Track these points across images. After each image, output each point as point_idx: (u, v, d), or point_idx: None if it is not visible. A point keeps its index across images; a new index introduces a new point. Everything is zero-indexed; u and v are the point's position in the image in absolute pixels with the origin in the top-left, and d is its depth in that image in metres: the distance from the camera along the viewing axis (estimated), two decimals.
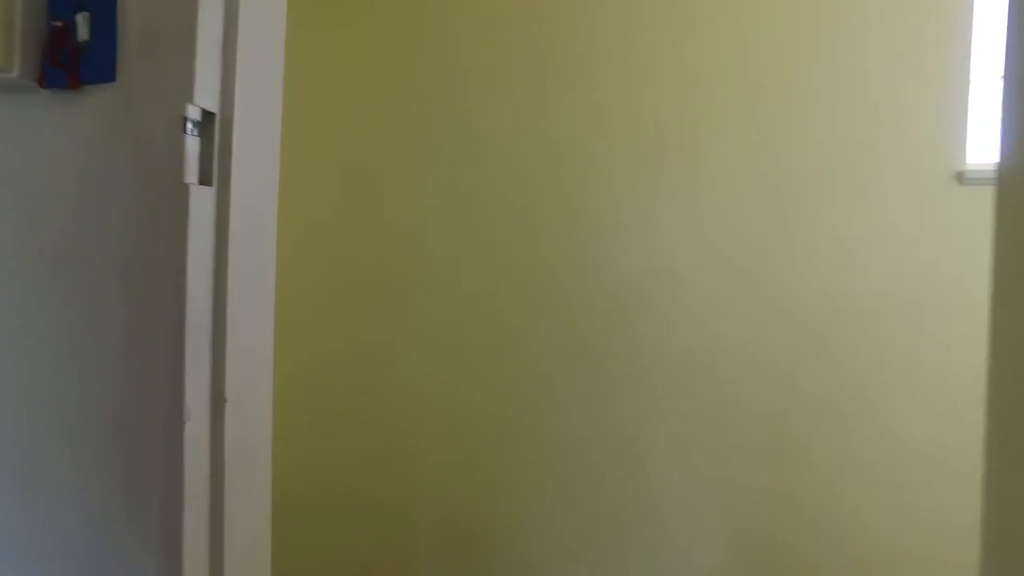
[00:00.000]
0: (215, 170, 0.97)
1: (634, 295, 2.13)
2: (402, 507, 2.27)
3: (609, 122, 2.16)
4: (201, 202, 0.95)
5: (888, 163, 1.98)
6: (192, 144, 0.93)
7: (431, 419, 2.26)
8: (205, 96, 0.94)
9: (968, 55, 1.94)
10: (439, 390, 2.25)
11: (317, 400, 2.37)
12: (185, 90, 0.92)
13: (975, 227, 1.92)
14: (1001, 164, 0.61)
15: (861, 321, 2.00)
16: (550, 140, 2.20)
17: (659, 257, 2.11)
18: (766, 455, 2.03)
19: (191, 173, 0.92)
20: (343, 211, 2.35)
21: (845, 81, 2.01)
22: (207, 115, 0.96)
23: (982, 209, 1.91)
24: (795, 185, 2.03)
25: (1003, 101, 0.60)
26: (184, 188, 0.92)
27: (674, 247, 2.10)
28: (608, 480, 2.14)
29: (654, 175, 2.12)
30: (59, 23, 0.96)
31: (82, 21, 0.95)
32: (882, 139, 1.98)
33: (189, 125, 0.92)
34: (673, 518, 2.09)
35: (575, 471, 2.15)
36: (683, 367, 2.08)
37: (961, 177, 1.93)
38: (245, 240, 1.02)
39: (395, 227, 2.31)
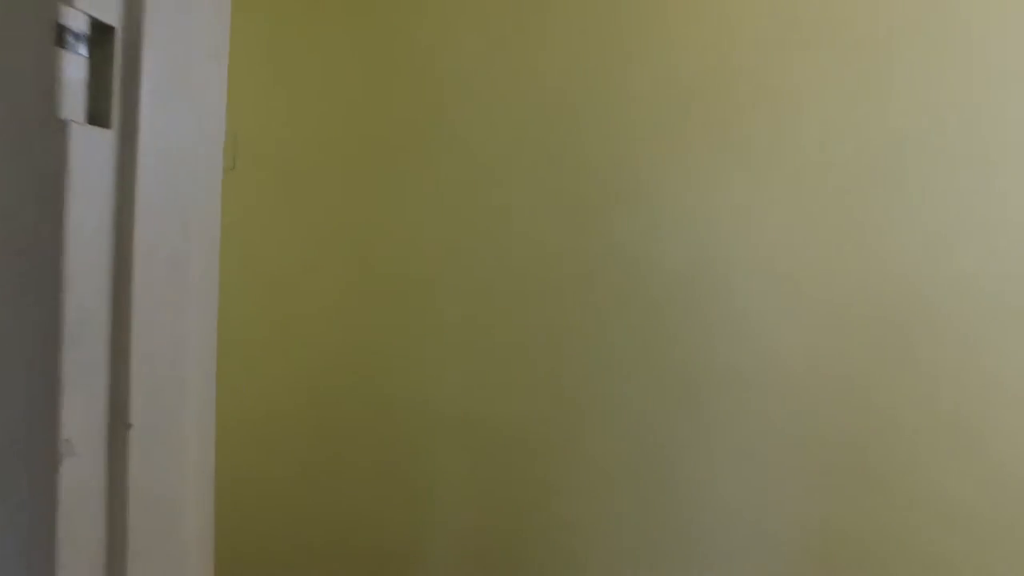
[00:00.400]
0: (115, 107, 0.70)
1: (680, 295, 1.81)
2: (412, 536, 1.99)
3: (648, 86, 1.85)
4: (90, 149, 0.68)
5: (1005, 128, 1.64)
6: (74, 65, 0.66)
7: (444, 437, 1.98)
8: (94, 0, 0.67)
9: None
10: (453, 404, 1.96)
11: (314, 412, 2.11)
12: None
13: None
14: None
15: (968, 325, 1.66)
16: (577, 114, 1.90)
17: (710, 250, 1.80)
18: (847, 490, 1.70)
19: (71, 106, 0.65)
20: (347, 200, 2.09)
21: (953, 31, 1.67)
22: (101, 28, 0.69)
23: None
24: (883, 156, 1.70)
25: None
26: (61, 127, 0.65)
27: (727, 237, 1.79)
28: (651, 516, 1.83)
29: (703, 151, 1.81)
30: None
31: None
32: (998, 98, 1.64)
33: (69, 39, 0.65)
34: (732, 563, 1.77)
35: (610, 501, 1.85)
36: (741, 382, 1.77)
37: None
38: (166, 206, 0.75)
39: (404, 219, 2.03)
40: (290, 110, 2.18)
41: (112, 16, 0.68)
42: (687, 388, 1.80)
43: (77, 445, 0.66)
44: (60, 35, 0.64)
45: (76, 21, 0.65)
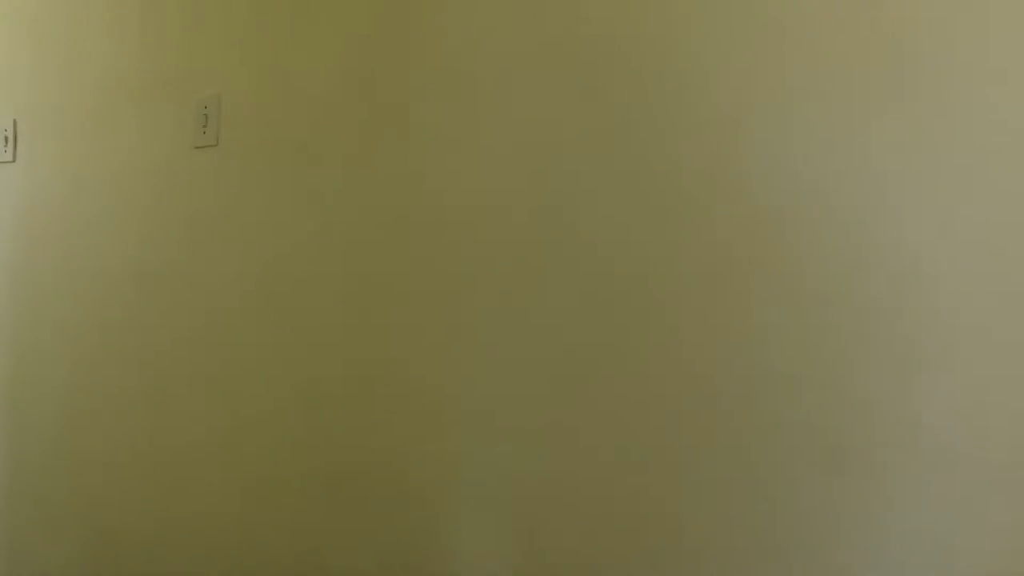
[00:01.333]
0: None
1: (826, 316, 1.16)
2: None
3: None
4: None
5: None
6: None
7: (489, 525, 1.42)
8: None
9: None
10: (503, 477, 1.41)
11: (312, 484, 1.61)
12: None
13: None
14: None
15: None
16: (639, 64, 1.31)
17: (903, 241, 1.15)
18: None
19: None
20: (352, 187, 1.60)
21: None
22: None
23: None
24: None
25: None
26: None
27: (932, 224, 1.13)
28: None
29: (889, 99, 1.16)
30: None
31: None
32: None
33: None
34: None
35: None
36: (950, 457, 1.10)
37: None
38: None
39: (424, 212, 1.51)
40: (286, 69, 1.69)
41: None
42: (843, 450, 1.16)
43: None
44: None
45: None
